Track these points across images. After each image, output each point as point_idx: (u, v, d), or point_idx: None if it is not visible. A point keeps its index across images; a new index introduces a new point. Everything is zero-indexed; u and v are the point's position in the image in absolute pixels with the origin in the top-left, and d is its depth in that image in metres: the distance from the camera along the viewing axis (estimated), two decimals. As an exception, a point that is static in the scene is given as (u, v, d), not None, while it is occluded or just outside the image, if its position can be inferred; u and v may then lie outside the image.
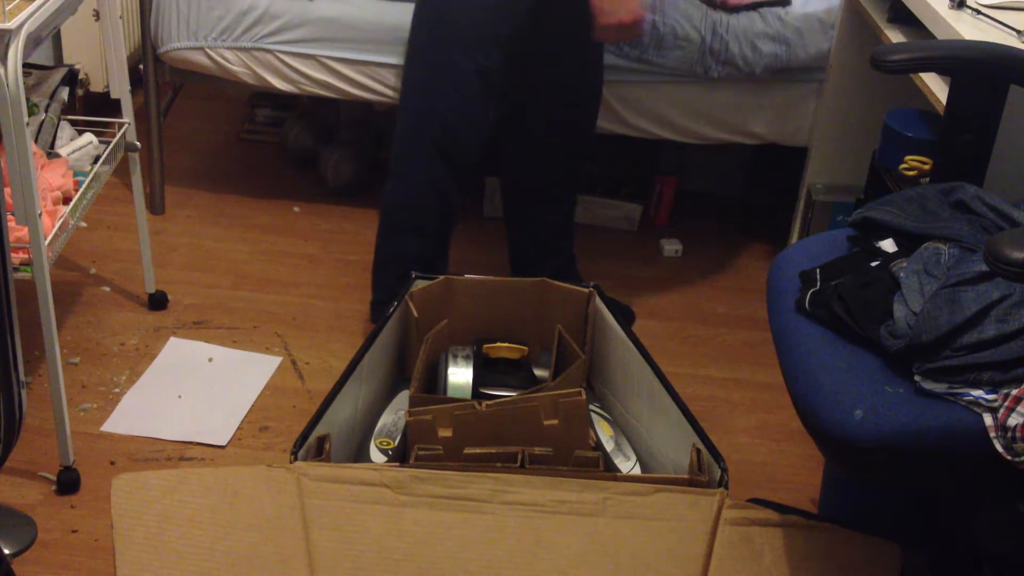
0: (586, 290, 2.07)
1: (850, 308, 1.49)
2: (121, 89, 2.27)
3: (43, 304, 1.87)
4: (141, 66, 2.81)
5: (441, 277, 2.06)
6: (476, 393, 1.98)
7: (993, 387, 1.34)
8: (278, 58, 2.73)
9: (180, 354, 2.38)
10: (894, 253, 1.57)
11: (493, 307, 2.10)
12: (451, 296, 2.07)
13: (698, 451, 1.74)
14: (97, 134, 2.27)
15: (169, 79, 2.87)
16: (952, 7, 1.95)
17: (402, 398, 2.05)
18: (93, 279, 2.63)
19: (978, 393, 1.33)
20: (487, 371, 2.03)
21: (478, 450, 1.72)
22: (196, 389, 2.28)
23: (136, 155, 2.33)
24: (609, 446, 1.98)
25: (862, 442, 1.33)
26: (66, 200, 2.05)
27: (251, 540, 1.60)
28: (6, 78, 1.68)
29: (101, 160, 2.20)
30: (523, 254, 2.59)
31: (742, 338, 2.59)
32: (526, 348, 2.06)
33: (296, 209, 3.01)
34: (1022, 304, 1.38)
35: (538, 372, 2.09)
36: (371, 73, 2.72)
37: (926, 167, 2.25)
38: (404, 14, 2.71)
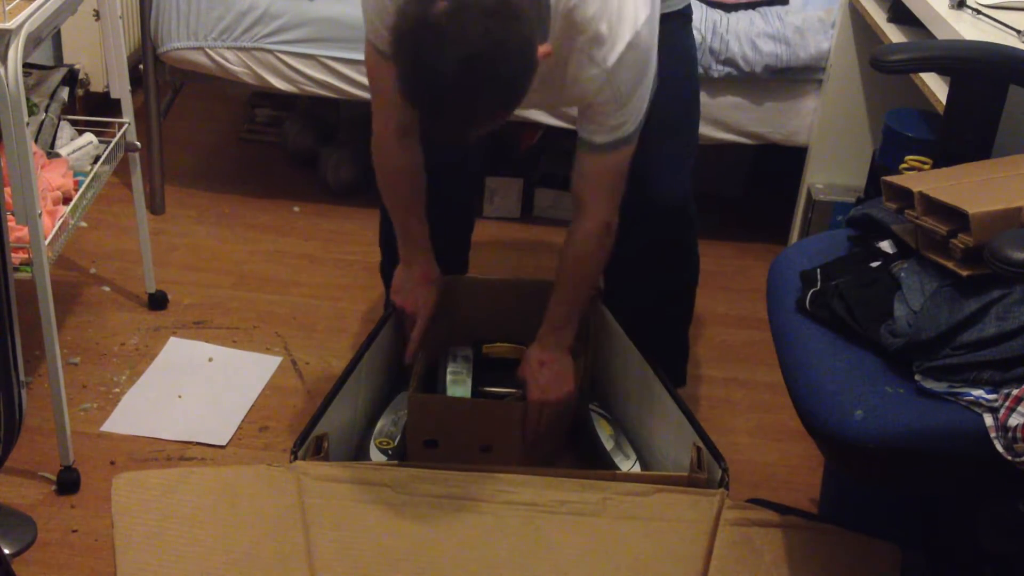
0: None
1: (850, 308, 1.49)
2: (121, 89, 2.27)
3: (43, 304, 1.87)
4: (141, 66, 2.81)
5: (441, 277, 2.06)
6: (476, 393, 1.98)
7: (993, 386, 1.34)
8: (278, 58, 2.73)
9: (180, 354, 2.38)
10: (894, 254, 1.57)
11: (493, 307, 2.10)
12: (451, 296, 2.07)
13: (698, 449, 1.74)
14: (97, 134, 2.27)
15: (169, 79, 2.87)
16: (952, 7, 1.95)
17: (402, 398, 2.05)
18: (93, 279, 2.62)
19: (978, 393, 1.33)
20: (487, 371, 2.03)
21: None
22: (196, 389, 2.28)
23: (136, 155, 2.33)
24: (609, 445, 1.98)
25: (862, 442, 1.33)
26: (66, 200, 2.05)
27: (251, 540, 1.60)
28: (6, 78, 1.68)
29: (101, 160, 2.20)
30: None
31: (742, 338, 2.59)
32: (526, 348, 2.06)
33: (296, 209, 3.01)
34: (1022, 302, 1.38)
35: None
36: (371, 73, 2.72)
37: (926, 167, 2.25)
38: (404, 14, 2.70)
